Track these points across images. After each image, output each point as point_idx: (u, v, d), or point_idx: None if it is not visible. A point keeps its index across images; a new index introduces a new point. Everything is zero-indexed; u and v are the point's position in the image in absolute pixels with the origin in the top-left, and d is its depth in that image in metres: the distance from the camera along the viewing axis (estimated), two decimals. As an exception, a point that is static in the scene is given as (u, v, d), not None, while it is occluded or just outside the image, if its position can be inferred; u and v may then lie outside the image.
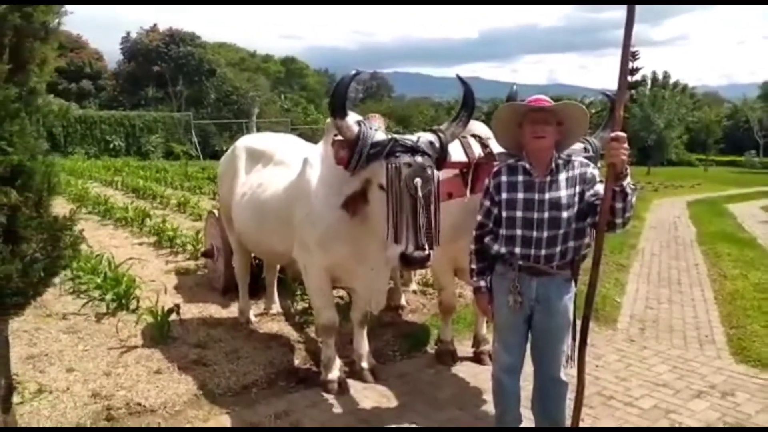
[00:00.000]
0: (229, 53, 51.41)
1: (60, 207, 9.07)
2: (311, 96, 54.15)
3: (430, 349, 4.58)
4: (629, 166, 2.57)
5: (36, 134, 2.82)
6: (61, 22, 2.99)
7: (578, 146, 3.40)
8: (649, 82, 31.52)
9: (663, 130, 27.55)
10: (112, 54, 43.79)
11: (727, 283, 6.71)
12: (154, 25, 41.79)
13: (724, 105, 49.64)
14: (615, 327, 5.22)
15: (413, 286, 6.07)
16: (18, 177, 2.72)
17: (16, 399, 3.50)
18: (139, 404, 3.61)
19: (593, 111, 36.54)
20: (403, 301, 5.53)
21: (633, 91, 34.78)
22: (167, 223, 8.75)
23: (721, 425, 3.46)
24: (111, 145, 31.20)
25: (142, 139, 32.31)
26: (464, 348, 4.49)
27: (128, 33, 41.73)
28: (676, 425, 3.46)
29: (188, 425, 3.41)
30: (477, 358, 4.33)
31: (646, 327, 5.22)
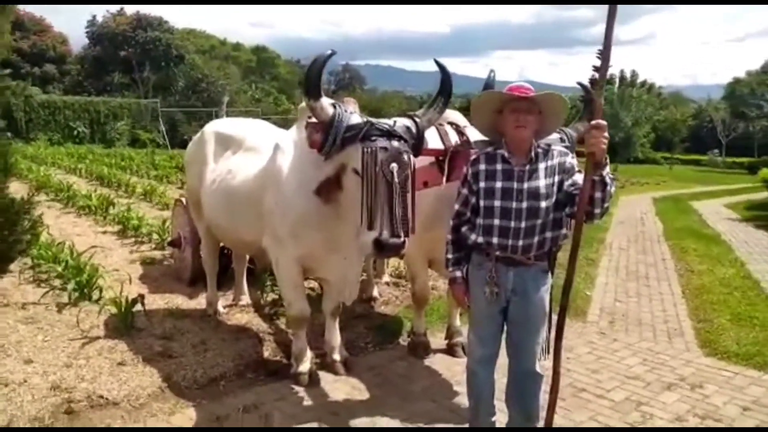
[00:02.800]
0: (198, 40, 50.46)
1: (22, 194, 8.81)
2: (282, 86, 53.52)
3: (403, 341, 4.53)
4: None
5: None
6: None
7: (554, 136, 3.36)
8: (617, 80, 32.03)
9: (630, 128, 27.99)
10: (77, 38, 42.53)
11: (693, 277, 6.82)
12: (121, 8, 40.69)
13: (689, 105, 50.76)
14: (585, 320, 5.24)
15: (386, 278, 6.01)
16: (-30, 157, 2.57)
17: (-32, 392, 3.34)
18: (102, 397, 3.47)
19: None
20: (375, 293, 5.46)
21: (602, 89, 35.24)
22: (132, 212, 8.52)
23: (691, 417, 3.49)
24: (75, 132, 30.37)
25: (108, 126, 31.50)
26: (437, 340, 4.46)
27: (94, 16, 40.56)
28: (647, 417, 3.47)
29: (152, 418, 3.29)
30: (450, 350, 4.29)
31: (616, 320, 5.26)
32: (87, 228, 8.64)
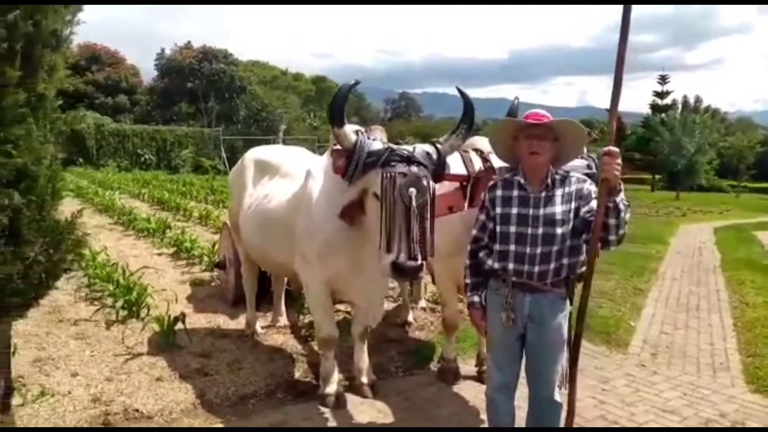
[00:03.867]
0: (262, 71, 52.37)
1: (87, 218, 9.23)
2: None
3: (434, 366, 4.52)
4: (622, 182, 2.52)
5: (42, 139, 2.90)
6: (73, 31, 3.08)
7: (581, 163, 3.36)
8: (680, 106, 31.10)
9: (693, 155, 27.04)
10: (147, 70, 45.00)
11: (748, 310, 6.50)
12: (188, 42, 42.84)
13: (758, 130, 48.56)
14: (626, 351, 5.09)
15: (422, 303, 6.02)
16: (22, 180, 2.80)
17: (17, 400, 3.58)
18: (137, 410, 3.64)
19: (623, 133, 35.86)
20: (410, 318, 5.49)
21: (663, 115, 34.33)
22: (186, 235, 8.87)
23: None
24: (142, 159, 31.92)
25: (173, 153, 32.97)
26: (468, 367, 4.43)
27: (163, 50, 42.88)
28: (680, 453, 3.34)
29: (183, 433, 3.42)
30: (480, 378, 4.25)
31: (659, 352, 5.07)
32: (144, 250, 9.05)
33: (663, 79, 36.61)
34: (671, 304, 6.78)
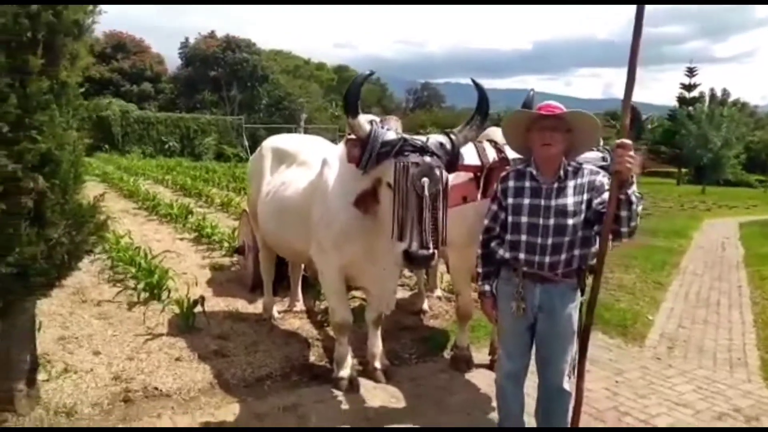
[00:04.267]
0: (284, 60, 52.50)
1: (112, 202, 9.50)
2: (362, 105, 54.49)
3: (447, 354, 4.56)
4: (635, 174, 2.52)
5: (65, 125, 2.99)
6: (95, 21, 3.16)
7: (596, 155, 3.36)
8: (707, 99, 30.47)
9: (720, 149, 26.55)
10: (172, 59, 45.44)
11: (769, 306, 6.42)
12: (212, 31, 43.16)
13: (790, 124, 47.40)
14: (642, 344, 5.06)
15: (438, 292, 6.06)
16: (46, 165, 2.89)
17: (43, 376, 3.71)
18: (156, 388, 3.74)
19: (649, 126, 35.41)
20: (425, 306, 5.53)
21: (690, 108, 33.72)
22: (207, 221, 9.01)
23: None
24: (166, 146, 32.36)
25: (196, 141, 33.35)
26: (481, 355, 4.46)
27: (187, 39, 43.26)
28: (690, 446, 3.34)
29: (199, 411, 3.51)
30: (492, 366, 4.28)
31: (676, 346, 5.05)
32: (167, 234, 9.22)
33: (690, 72, 35.90)
34: (691, 299, 6.72)
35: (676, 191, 25.83)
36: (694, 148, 27.19)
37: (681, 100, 36.76)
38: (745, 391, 4.13)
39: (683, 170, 33.06)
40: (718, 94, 31.91)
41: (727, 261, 9.29)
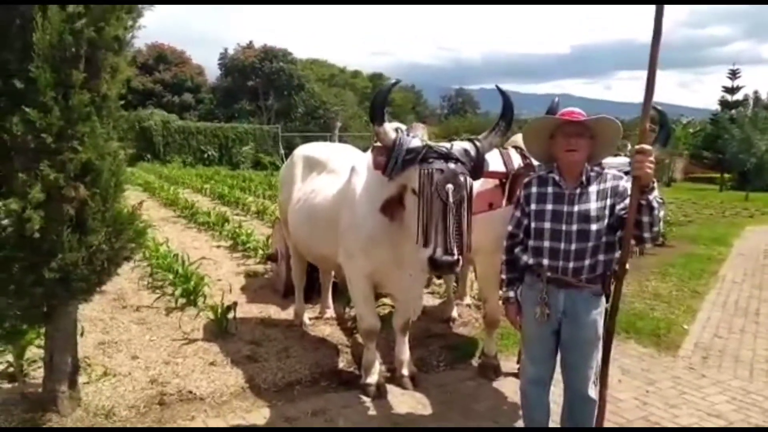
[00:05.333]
0: (320, 69, 53.16)
1: (153, 211, 9.87)
2: (397, 111, 54.85)
3: (475, 362, 4.57)
4: (655, 180, 2.51)
5: (106, 136, 3.14)
6: (134, 36, 3.31)
7: (623, 160, 3.35)
8: (751, 102, 29.51)
9: (764, 153, 25.65)
10: (211, 69, 46.50)
11: (812, 316, 6.21)
12: (250, 42, 44.03)
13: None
14: (676, 354, 4.97)
15: (467, 300, 6.06)
16: (87, 174, 3.05)
17: (83, 379, 3.87)
18: (191, 392, 3.87)
19: (691, 130, 34.31)
20: (454, 314, 5.54)
21: (733, 112, 32.75)
22: (243, 228, 9.21)
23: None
24: (205, 155, 33.03)
25: (234, 149, 33.94)
26: (509, 363, 4.45)
27: (225, 49, 44.21)
28: (722, 457, 3.28)
29: (231, 414, 3.62)
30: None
31: (710, 356, 4.94)
32: (204, 242, 9.46)
33: (734, 74, 34.85)
34: (729, 308, 6.55)
35: (719, 197, 25.07)
36: (737, 152, 26.31)
37: (723, 103, 35.74)
38: (783, 403, 4.03)
39: (726, 176, 32.09)
40: (763, 96, 30.92)
41: (770, 269, 9.01)
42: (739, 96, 34.53)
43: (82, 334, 4.29)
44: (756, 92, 30.82)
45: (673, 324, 5.75)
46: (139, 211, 3.43)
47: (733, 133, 26.90)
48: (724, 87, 35.65)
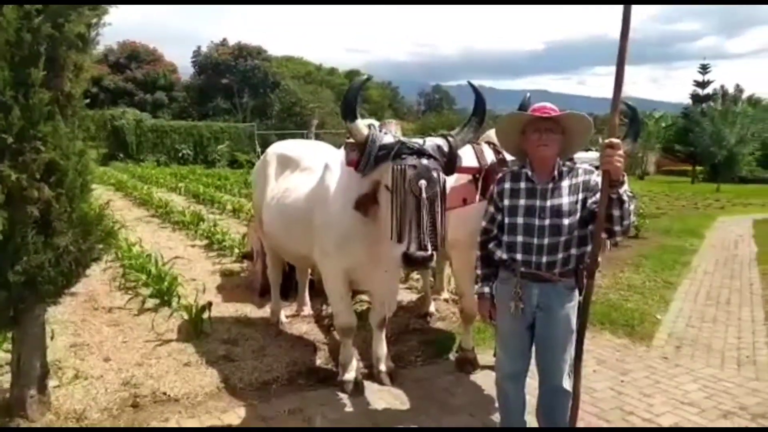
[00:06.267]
0: (296, 66, 52.83)
1: (126, 210, 9.73)
2: (374, 108, 54.79)
3: (453, 356, 4.58)
4: (625, 173, 2.53)
5: (71, 135, 3.06)
6: (99, 33, 3.24)
7: (594, 155, 3.37)
8: (720, 96, 30.14)
9: (734, 146, 26.24)
10: (184, 67, 45.91)
11: (781, 304, 6.36)
12: (224, 39, 43.57)
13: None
14: (650, 344, 5.04)
15: (444, 295, 6.08)
16: (52, 174, 2.97)
17: (54, 382, 3.79)
18: (165, 393, 3.81)
19: (663, 125, 34.93)
20: (432, 309, 5.55)
21: (703, 105, 33.39)
22: (218, 227, 9.11)
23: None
24: (180, 154, 32.61)
25: (209, 148, 33.57)
26: (486, 357, 4.47)
27: (199, 47, 43.69)
28: (695, 444, 3.34)
29: (206, 415, 3.57)
30: (498, 368, 4.30)
31: (683, 345, 5.02)
32: (179, 241, 9.33)
33: (704, 69, 35.57)
34: (701, 298, 6.67)
35: (691, 189, 25.59)
36: (708, 146, 26.91)
37: (694, 97, 36.44)
38: (753, 389, 4.11)
39: (698, 168, 32.76)
40: (732, 90, 31.56)
41: (740, 259, 9.20)
42: (709, 90, 35.23)
43: (52, 338, 4.21)
44: (723, 86, 31.50)
45: (646, 314, 5.84)
46: (107, 211, 3.36)
47: (704, 127, 27.46)
48: (695, 81, 36.39)
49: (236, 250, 7.88)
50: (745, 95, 32.13)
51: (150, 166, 28.00)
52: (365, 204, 3.28)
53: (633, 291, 6.76)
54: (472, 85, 3.27)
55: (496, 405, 3.68)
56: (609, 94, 2.60)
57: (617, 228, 2.60)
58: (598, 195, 2.68)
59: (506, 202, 2.83)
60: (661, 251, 9.33)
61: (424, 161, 2.98)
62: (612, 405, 3.84)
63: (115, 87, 37.91)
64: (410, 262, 2.92)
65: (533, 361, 2.95)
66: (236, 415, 3.59)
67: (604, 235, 2.68)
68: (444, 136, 3.20)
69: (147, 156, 31.01)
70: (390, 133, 3.17)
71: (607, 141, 2.51)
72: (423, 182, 2.91)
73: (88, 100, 3.24)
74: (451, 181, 3.40)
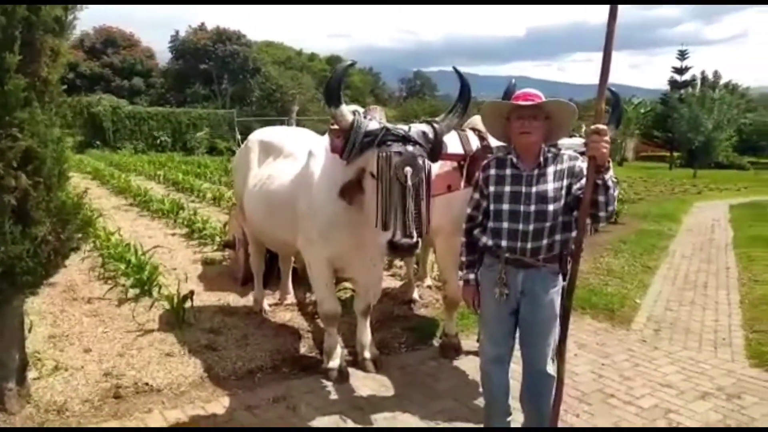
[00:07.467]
0: (276, 51, 52.30)
1: (104, 199, 9.58)
2: (356, 94, 54.50)
3: (436, 342, 4.61)
4: (610, 159, 2.55)
5: (48, 122, 2.99)
6: (76, 17, 3.15)
7: (579, 141, 3.39)
8: (699, 82, 30.54)
9: (711, 131, 26.62)
10: (162, 53, 45.17)
11: (756, 287, 6.48)
12: (202, 23, 42.90)
13: (781, 106, 47.53)
14: (629, 328, 5.13)
15: (428, 281, 6.10)
16: (29, 162, 2.90)
17: (33, 374, 3.74)
18: (147, 384, 3.77)
19: (642, 111, 35.31)
20: (415, 295, 5.57)
21: (681, 92, 33.77)
22: (198, 215, 9.02)
23: (721, 426, 3.39)
24: (158, 141, 32.10)
25: (188, 135, 33.10)
26: (470, 342, 4.51)
27: (177, 32, 42.96)
28: (674, 425, 3.40)
29: (190, 405, 3.54)
30: (481, 353, 4.33)
31: (662, 328, 5.11)
32: (158, 230, 9.22)
33: (682, 55, 35.93)
34: (679, 282, 6.79)
35: (669, 175, 25.93)
36: (686, 131, 27.27)
37: (673, 83, 36.83)
38: (728, 370, 4.21)
39: (675, 154, 33.19)
40: (710, 76, 31.99)
41: (716, 243, 9.38)
42: (687, 76, 35.63)
43: (30, 329, 4.15)
44: (703, 72, 31.90)
45: (626, 298, 5.93)
46: (85, 200, 3.30)
47: (682, 113, 27.79)
48: (673, 68, 36.74)
49: (217, 239, 7.81)
50: (722, 81, 32.55)
51: (127, 153, 27.59)
52: (350, 191, 3.25)
53: (613, 275, 6.85)
54: (457, 71, 3.24)
55: (480, 390, 3.71)
56: (589, 80, 2.62)
57: (602, 213, 2.62)
58: (583, 181, 2.69)
59: (492, 188, 2.83)
60: (640, 236, 9.46)
61: (410, 148, 2.96)
62: (593, 388, 3.89)
63: (92, 73, 37.22)
64: (396, 249, 2.90)
65: (517, 345, 2.98)
66: (220, 404, 3.57)
67: (588, 221, 2.70)
68: (429, 123, 3.18)
69: (124, 143, 30.49)
70: (375, 120, 3.15)
71: (593, 127, 2.51)
72: (408, 169, 2.89)
73: (64, 87, 3.16)
74: (436, 167, 3.39)
